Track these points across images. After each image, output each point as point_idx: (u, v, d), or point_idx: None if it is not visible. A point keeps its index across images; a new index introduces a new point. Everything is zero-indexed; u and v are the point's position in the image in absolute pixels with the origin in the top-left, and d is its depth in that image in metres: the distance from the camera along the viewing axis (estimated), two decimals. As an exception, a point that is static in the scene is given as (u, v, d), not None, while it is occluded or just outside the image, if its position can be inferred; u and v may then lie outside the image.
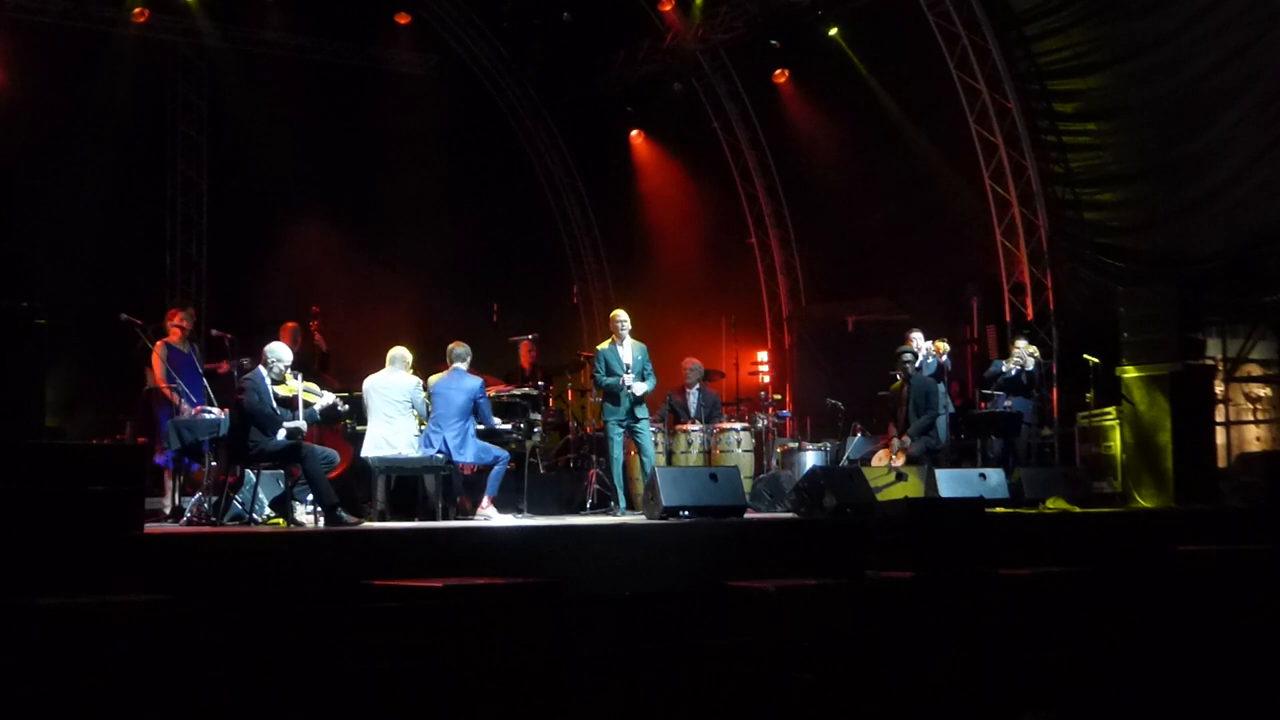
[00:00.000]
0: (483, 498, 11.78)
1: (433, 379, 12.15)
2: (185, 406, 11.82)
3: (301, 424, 11.07)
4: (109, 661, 6.52)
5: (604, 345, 13.12)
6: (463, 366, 12.06)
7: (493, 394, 13.32)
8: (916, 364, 13.75)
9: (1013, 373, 14.14)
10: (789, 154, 18.74)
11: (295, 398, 11.14)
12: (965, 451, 14.38)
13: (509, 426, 12.73)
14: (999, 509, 11.86)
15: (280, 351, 11.21)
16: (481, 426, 11.96)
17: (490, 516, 11.63)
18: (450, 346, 12.23)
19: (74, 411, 15.52)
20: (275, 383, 11.05)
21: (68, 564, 7.64)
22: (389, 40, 19.11)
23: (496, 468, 11.82)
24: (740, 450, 14.18)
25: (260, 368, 11.01)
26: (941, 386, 14.01)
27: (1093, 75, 15.27)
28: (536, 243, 20.73)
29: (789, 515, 12.32)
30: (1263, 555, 10.10)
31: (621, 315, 13.16)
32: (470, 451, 11.74)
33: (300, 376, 11.55)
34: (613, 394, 12.88)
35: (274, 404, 10.92)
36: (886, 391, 14.20)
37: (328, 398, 11.48)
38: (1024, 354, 14.29)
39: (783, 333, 19.11)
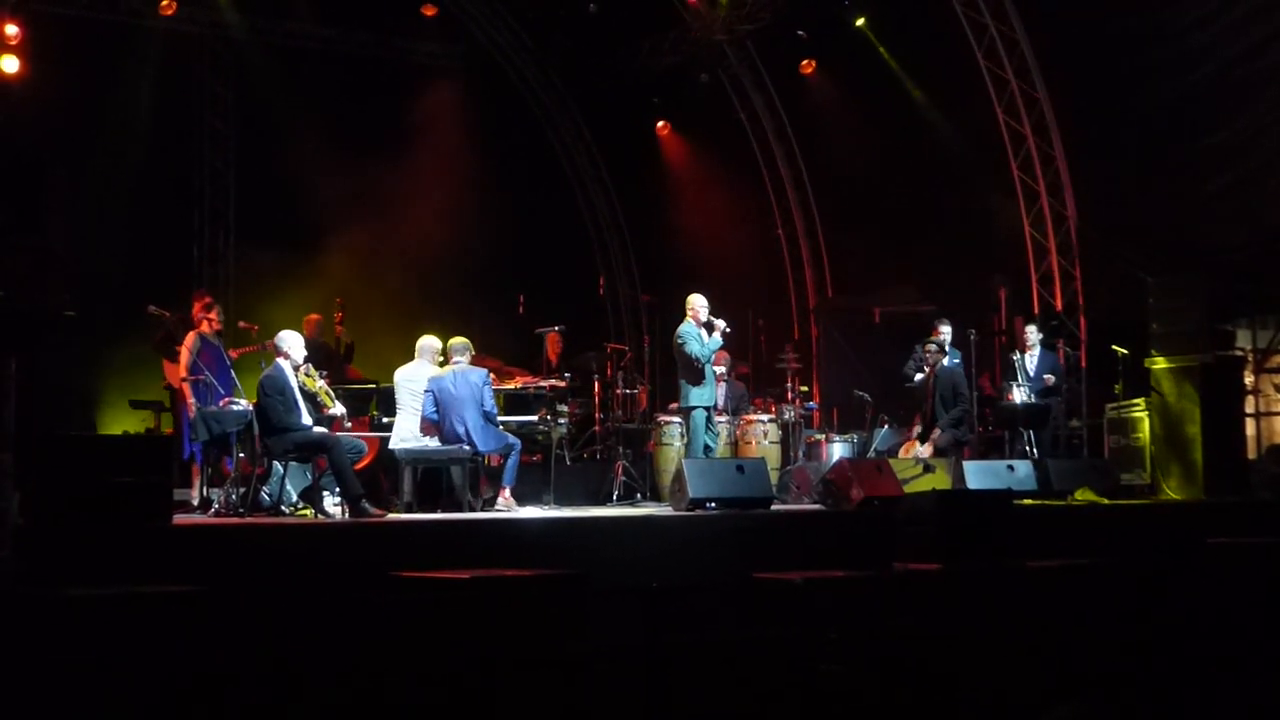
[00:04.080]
0: (503, 489, 11.76)
1: (432, 376, 11.95)
2: (194, 403, 11.82)
3: (339, 409, 11.18)
4: (137, 652, 6.55)
5: (687, 327, 12.86)
6: (463, 360, 11.93)
7: (519, 386, 13.32)
8: (944, 355, 13.71)
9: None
10: (815, 144, 18.69)
11: (314, 395, 11.18)
12: (992, 443, 14.33)
13: (535, 418, 12.72)
14: (1027, 501, 11.82)
15: (291, 339, 11.22)
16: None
17: (510, 508, 11.61)
18: (449, 342, 12.10)
19: (101, 404, 15.60)
20: (297, 369, 11.08)
21: (96, 555, 7.68)
22: (415, 32, 19.11)
23: (511, 458, 11.79)
24: (767, 442, 14.17)
25: (279, 360, 11.05)
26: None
27: (1121, 64, 15.15)
28: (562, 234, 20.70)
29: (816, 507, 12.30)
30: (1293, 548, 10.03)
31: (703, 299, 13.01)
32: (492, 440, 11.72)
33: (325, 374, 11.59)
34: (701, 371, 12.67)
35: (297, 395, 10.95)
36: (909, 382, 14.18)
37: (338, 409, 11.47)
38: (1034, 339, 14.30)
39: (809, 324, 19.08)
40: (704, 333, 12.73)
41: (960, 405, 13.39)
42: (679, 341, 12.77)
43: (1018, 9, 15.63)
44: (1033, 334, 14.34)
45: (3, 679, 6.37)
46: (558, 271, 19.07)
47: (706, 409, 12.77)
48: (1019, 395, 13.95)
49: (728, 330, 12.79)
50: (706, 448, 12.73)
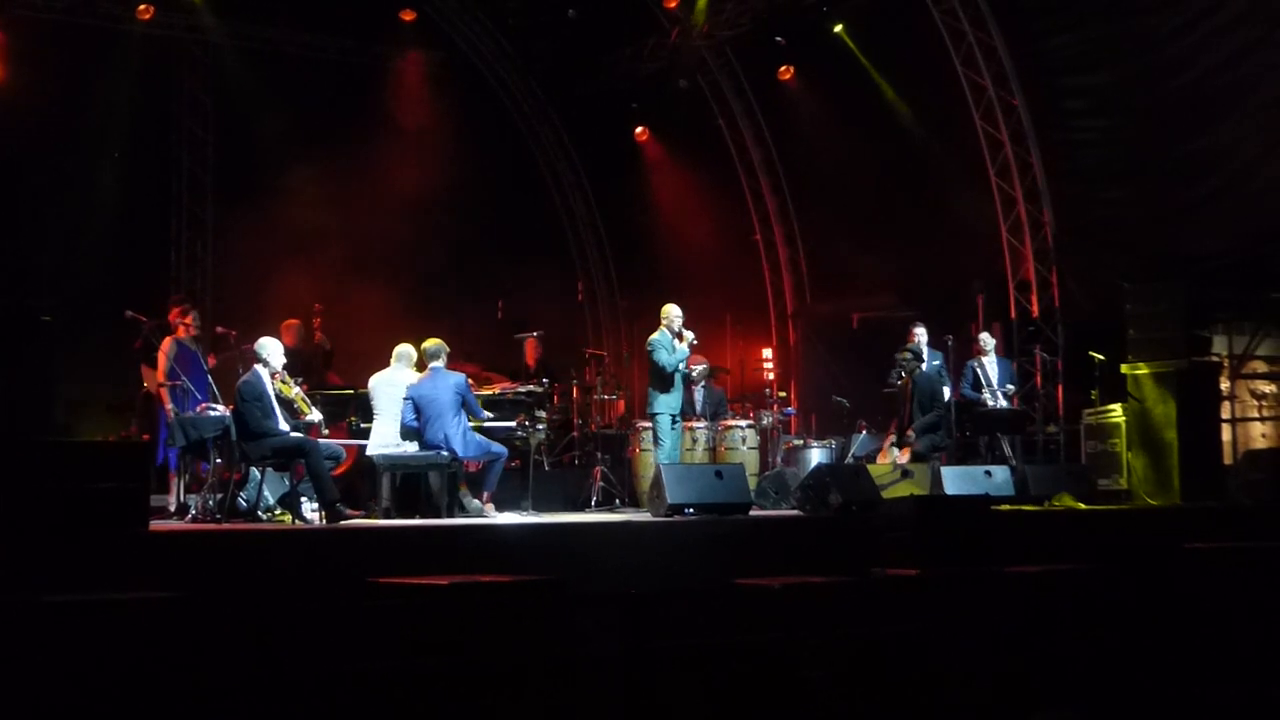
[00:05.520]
0: (482, 494, 11.75)
1: (410, 383, 11.92)
2: (172, 409, 11.76)
3: (316, 416, 11.17)
4: (114, 659, 6.52)
5: (660, 336, 12.95)
6: (439, 364, 11.90)
7: (498, 391, 13.31)
8: (921, 363, 13.76)
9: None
10: (794, 150, 18.72)
11: (291, 402, 11.16)
12: (970, 449, 14.36)
13: (513, 423, 12.71)
14: (1005, 506, 11.85)
15: (271, 346, 11.20)
16: (473, 422, 11.86)
17: (489, 514, 11.59)
18: (424, 345, 12.05)
19: (80, 409, 15.52)
20: (274, 375, 11.06)
21: (73, 561, 7.64)
22: (394, 37, 19.07)
23: (496, 464, 11.78)
24: (745, 447, 14.17)
25: (257, 367, 11.02)
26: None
27: (1100, 71, 15.24)
28: (541, 239, 20.69)
29: (794, 513, 12.31)
30: (1269, 552, 10.07)
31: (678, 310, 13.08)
32: (472, 447, 11.69)
33: (301, 381, 11.55)
34: (669, 380, 12.77)
35: (274, 401, 10.92)
36: (891, 388, 14.19)
37: (315, 415, 11.44)
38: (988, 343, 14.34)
39: (788, 329, 19.09)
40: (676, 342, 12.79)
41: (935, 411, 13.42)
42: (649, 349, 12.88)
43: (996, 16, 15.67)
44: (986, 341, 14.38)
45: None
46: (537, 277, 19.06)
47: (673, 415, 12.82)
48: (989, 400, 14.02)
49: (694, 342, 12.90)
50: None
